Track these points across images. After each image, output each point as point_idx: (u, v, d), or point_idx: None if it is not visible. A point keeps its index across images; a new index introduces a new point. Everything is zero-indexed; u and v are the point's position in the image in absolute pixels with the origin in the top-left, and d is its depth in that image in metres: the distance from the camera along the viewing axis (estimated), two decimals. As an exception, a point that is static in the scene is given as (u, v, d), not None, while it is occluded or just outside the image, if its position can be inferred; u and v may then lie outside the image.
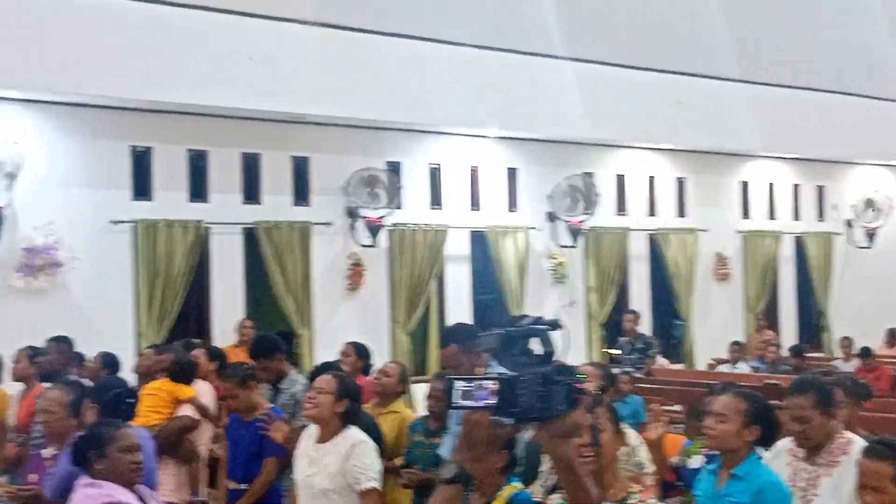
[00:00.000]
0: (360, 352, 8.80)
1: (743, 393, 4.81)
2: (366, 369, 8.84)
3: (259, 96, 12.10)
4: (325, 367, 7.33)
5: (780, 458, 5.16)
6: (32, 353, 8.31)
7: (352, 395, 5.60)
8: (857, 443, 5.25)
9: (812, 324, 19.31)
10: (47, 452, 5.81)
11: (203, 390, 8.13)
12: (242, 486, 6.71)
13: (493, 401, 2.60)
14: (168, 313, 12.07)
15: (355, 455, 5.43)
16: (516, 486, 4.77)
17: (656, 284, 17.02)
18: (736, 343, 15.62)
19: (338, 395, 5.51)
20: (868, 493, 4.14)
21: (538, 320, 2.71)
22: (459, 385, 2.64)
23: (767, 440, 4.79)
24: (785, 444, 5.20)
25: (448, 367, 6.37)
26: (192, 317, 12.95)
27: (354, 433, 5.55)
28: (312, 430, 5.69)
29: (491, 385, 2.61)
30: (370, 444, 5.59)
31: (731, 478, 4.62)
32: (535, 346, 2.74)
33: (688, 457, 5.87)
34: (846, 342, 16.01)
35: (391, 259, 13.97)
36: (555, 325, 2.69)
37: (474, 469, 2.69)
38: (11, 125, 11.25)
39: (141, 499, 4.64)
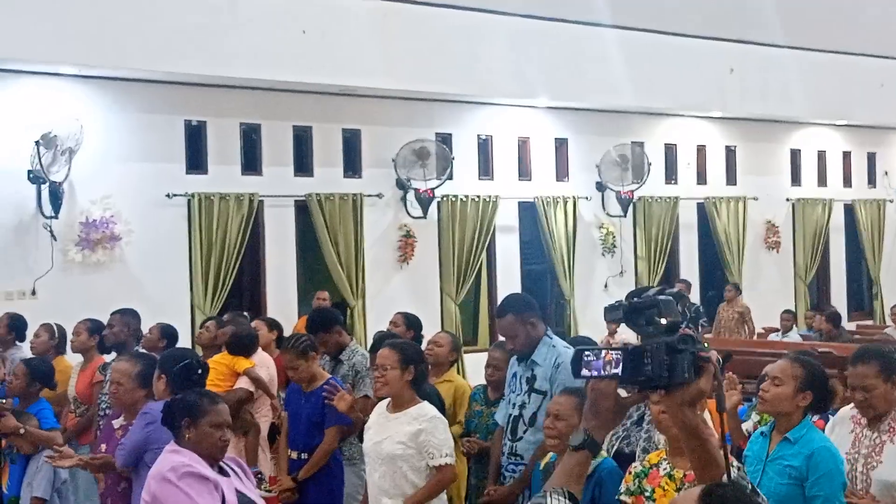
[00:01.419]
0: (409, 322, 8.88)
1: (800, 359, 4.85)
2: (416, 339, 8.93)
3: (311, 70, 12.18)
4: (383, 338, 7.42)
5: (844, 425, 5.18)
6: (92, 325, 8.44)
7: (415, 359, 5.73)
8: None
9: (863, 292, 19.19)
10: (117, 422, 5.94)
11: (264, 361, 8.24)
12: (304, 456, 6.81)
13: (618, 370, 2.68)
14: (223, 285, 12.23)
15: (430, 430, 5.55)
16: (602, 453, 4.87)
17: (706, 253, 16.99)
18: (787, 311, 15.57)
19: (402, 365, 5.62)
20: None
21: (662, 291, 2.77)
22: (587, 356, 2.72)
23: (820, 407, 4.84)
24: (847, 411, 5.22)
25: (505, 337, 6.43)
26: (245, 289, 13.11)
27: (427, 408, 5.66)
28: (384, 402, 5.81)
29: (616, 355, 2.68)
30: (444, 421, 5.71)
31: (783, 441, 4.66)
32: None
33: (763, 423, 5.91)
34: (896, 311, 15.87)
35: (441, 230, 14.05)
36: (680, 296, 2.76)
37: (600, 436, 2.77)
38: (69, 101, 11.40)
39: (222, 471, 4.73)
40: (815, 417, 5.04)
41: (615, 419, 2.81)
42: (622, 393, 2.76)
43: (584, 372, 2.73)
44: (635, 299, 2.79)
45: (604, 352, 2.71)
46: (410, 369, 5.64)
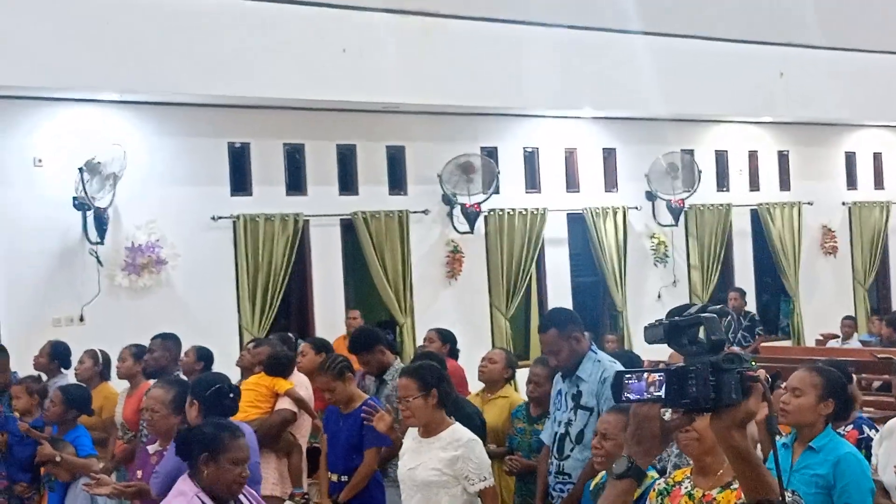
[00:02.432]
0: (443, 337, 8.83)
1: (817, 368, 4.84)
2: (452, 353, 8.83)
3: (352, 88, 12.13)
4: (422, 357, 7.33)
5: (893, 437, 5.05)
6: (137, 351, 8.45)
7: (436, 381, 5.60)
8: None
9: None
10: (152, 448, 5.90)
11: (301, 382, 8.18)
12: (343, 478, 6.73)
13: (661, 393, 2.56)
14: (270, 306, 12.20)
15: (466, 456, 5.44)
16: (651, 474, 4.74)
17: (761, 260, 16.74)
18: (848, 317, 15.28)
19: (423, 392, 5.51)
20: None
21: (704, 308, 2.66)
22: (627, 378, 2.62)
23: (841, 414, 4.82)
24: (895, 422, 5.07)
25: (548, 353, 6.32)
26: (293, 309, 13.10)
27: (461, 431, 5.56)
28: (416, 427, 5.71)
29: (658, 377, 2.57)
30: (479, 442, 5.60)
31: (807, 450, 4.63)
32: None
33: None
34: (958, 313, 15.50)
35: (489, 244, 13.95)
36: (722, 312, 2.64)
37: (644, 462, 2.65)
38: (112, 127, 11.45)
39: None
40: (849, 427, 4.92)
41: (660, 445, 2.70)
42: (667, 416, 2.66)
43: (626, 396, 2.63)
44: (676, 318, 2.69)
45: (646, 374, 2.61)
46: (433, 393, 5.53)
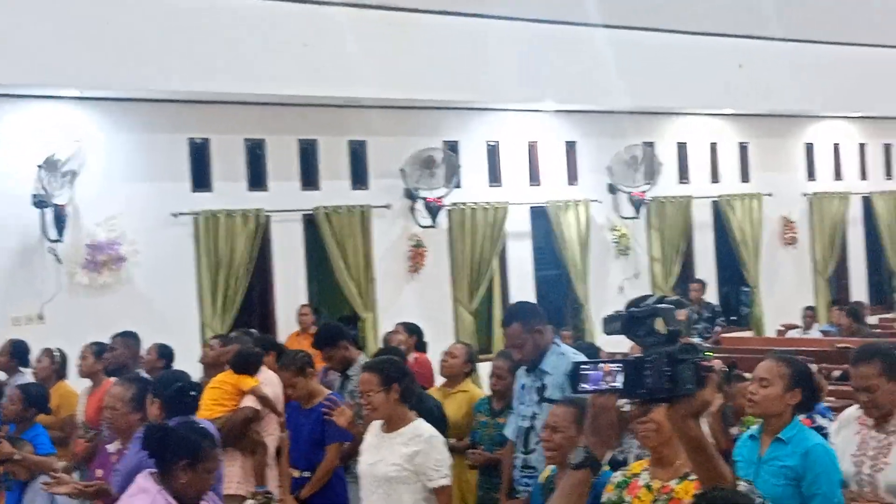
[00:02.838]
0: (409, 329, 8.82)
1: (784, 357, 4.84)
2: (419, 344, 8.82)
3: (314, 83, 12.11)
4: (384, 352, 7.34)
5: (850, 426, 5.07)
6: (98, 349, 8.40)
7: (398, 376, 5.57)
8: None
9: (883, 285, 18.99)
10: (112, 447, 5.86)
11: (270, 380, 8.15)
12: (305, 474, 6.72)
13: (618, 383, 2.56)
14: (232, 303, 12.16)
15: (426, 451, 5.43)
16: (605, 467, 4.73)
17: (722, 252, 16.84)
18: (809, 308, 15.42)
19: (385, 387, 5.50)
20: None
21: (661, 299, 2.68)
22: (584, 369, 2.63)
23: (808, 404, 4.83)
24: (853, 412, 5.10)
25: (512, 347, 6.33)
26: (255, 305, 13.05)
27: (423, 427, 5.55)
28: (378, 422, 5.70)
29: (615, 367, 2.57)
30: (440, 439, 5.59)
31: (775, 441, 4.63)
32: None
33: (748, 427, 5.80)
34: (915, 303, 15.69)
35: (452, 239, 13.95)
36: (679, 303, 2.66)
37: (602, 453, 2.66)
38: (71, 123, 11.37)
39: None
40: (802, 416, 4.94)
41: (617, 435, 2.71)
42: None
43: (583, 386, 2.64)
44: (633, 309, 2.70)
45: (603, 364, 2.62)
46: (394, 388, 5.51)
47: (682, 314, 2.69)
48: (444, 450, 5.57)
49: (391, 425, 5.55)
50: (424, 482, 5.41)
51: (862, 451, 4.91)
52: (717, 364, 2.55)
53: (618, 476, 4.37)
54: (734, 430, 6.62)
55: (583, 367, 2.67)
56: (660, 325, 2.64)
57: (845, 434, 5.03)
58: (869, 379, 4.81)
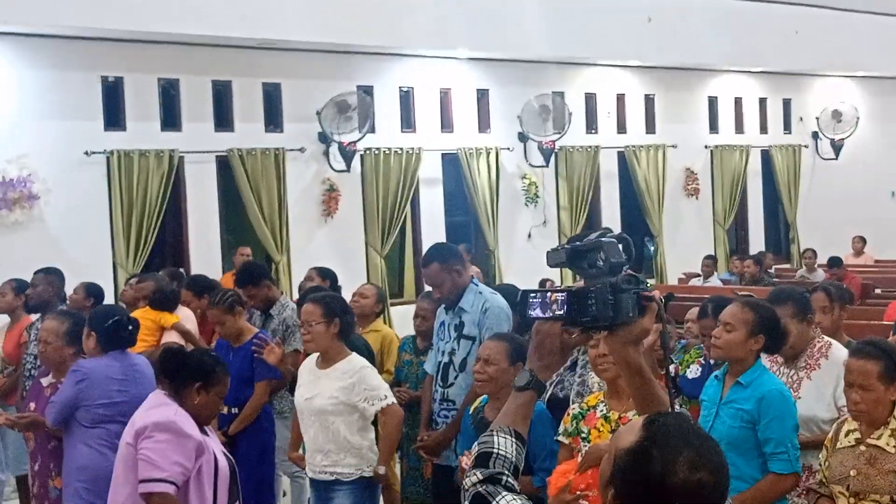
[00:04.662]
0: (323, 274, 8.89)
1: (749, 303, 4.86)
2: (334, 290, 8.89)
3: (229, 24, 12.04)
4: (309, 292, 7.42)
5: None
6: (18, 285, 8.32)
7: (339, 311, 5.71)
8: (836, 346, 5.45)
9: (780, 236, 19.56)
10: (46, 381, 5.89)
11: (187, 316, 8.22)
12: (234, 411, 6.81)
13: (562, 311, 2.71)
14: (145, 243, 12.10)
15: (362, 380, 5.60)
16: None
17: (627, 202, 17.17)
18: (708, 257, 15.83)
19: (327, 319, 5.63)
20: (855, 391, 4.35)
21: (604, 233, 2.80)
22: (532, 297, 2.75)
23: (773, 348, 4.87)
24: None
25: (431, 286, 6.47)
26: (168, 246, 13.00)
27: (356, 360, 5.70)
28: (313, 357, 5.82)
29: (561, 296, 2.71)
30: (373, 369, 5.77)
31: (735, 384, 4.70)
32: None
33: (687, 367, 5.99)
34: (810, 254, 16.14)
35: (365, 183, 14.02)
36: (621, 238, 2.78)
37: (544, 376, 2.81)
38: (-20, 58, 11.17)
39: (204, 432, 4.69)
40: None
41: (560, 360, 2.85)
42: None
43: (531, 313, 2.76)
44: (577, 243, 2.83)
45: (549, 293, 2.74)
46: (336, 322, 5.64)
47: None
48: (377, 377, 5.75)
49: (327, 360, 5.69)
50: (366, 408, 5.56)
51: None
52: (657, 294, 2.67)
53: (574, 408, 4.55)
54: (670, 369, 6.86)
55: (531, 295, 2.78)
56: (601, 257, 2.77)
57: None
58: (782, 320, 5.02)
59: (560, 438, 4.60)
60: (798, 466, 4.65)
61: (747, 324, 4.69)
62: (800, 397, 5.16)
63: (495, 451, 2.61)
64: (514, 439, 2.67)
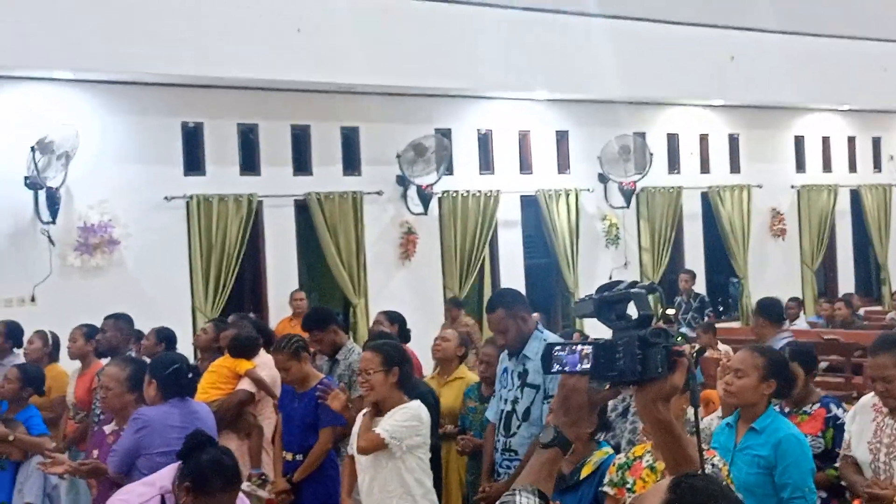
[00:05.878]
0: (391, 318, 8.84)
1: (758, 348, 4.92)
2: (402, 333, 8.85)
3: (307, 68, 12.14)
4: (376, 337, 7.37)
5: (866, 413, 5.10)
6: (88, 331, 8.40)
7: (398, 359, 5.64)
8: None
9: (870, 278, 19.10)
10: (108, 428, 5.90)
11: (266, 363, 8.17)
12: (298, 458, 6.77)
13: (589, 365, 2.62)
14: (223, 287, 12.19)
15: (392, 413, 5.51)
16: (607, 450, 4.81)
17: (711, 242, 16.91)
18: (793, 299, 15.49)
19: (386, 367, 5.55)
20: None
21: (633, 284, 2.71)
22: (556, 351, 2.66)
23: (783, 393, 4.92)
24: (869, 399, 5.12)
25: (496, 332, 6.38)
26: (247, 290, 13.08)
27: (412, 406, 5.60)
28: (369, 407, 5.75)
29: (587, 349, 2.62)
30: (412, 409, 5.60)
31: (749, 431, 4.70)
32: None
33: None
34: (901, 295, 15.75)
35: (443, 226, 14.00)
36: (651, 288, 2.69)
37: (571, 433, 2.71)
38: (65, 105, 11.39)
39: None
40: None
41: (587, 416, 2.75)
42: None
43: (555, 367, 2.67)
44: (605, 293, 2.73)
45: (575, 346, 2.65)
46: (395, 371, 5.57)
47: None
48: (408, 416, 5.57)
49: (385, 409, 5.61)
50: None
51: (878, 438, 4.95)
52: (688, 349, 2.57)
53: (621, 458, 4.45)
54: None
55: (556, 348, 2.70)
56: (632, 309, 2.67)
57: (861, 421, 5.07)
58: (885, 369, 4.82)
59: (605, 489, 4.50)
60: None
61: (758, 369, 4.72)
62: None
63: None
64: (537, 499, 2.56)
